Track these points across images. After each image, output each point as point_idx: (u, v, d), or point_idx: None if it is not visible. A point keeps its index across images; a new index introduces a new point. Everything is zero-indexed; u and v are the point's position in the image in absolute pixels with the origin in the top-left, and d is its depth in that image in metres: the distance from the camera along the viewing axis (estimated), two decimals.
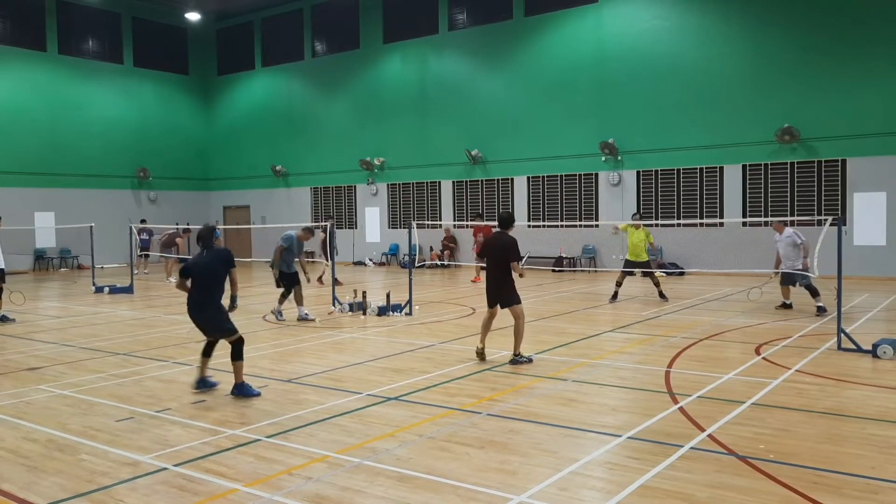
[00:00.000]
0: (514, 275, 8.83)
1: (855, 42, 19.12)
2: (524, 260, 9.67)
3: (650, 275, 14.94)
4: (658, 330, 11.22)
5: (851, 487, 4.69)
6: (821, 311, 12.43)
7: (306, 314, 12.67)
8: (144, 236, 24.38)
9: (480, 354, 8.96)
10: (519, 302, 8.83)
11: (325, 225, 17.53)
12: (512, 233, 9.11)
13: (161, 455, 5.52)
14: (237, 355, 7.29)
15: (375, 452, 5.49)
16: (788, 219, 18.99)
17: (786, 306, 13.20)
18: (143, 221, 25.63)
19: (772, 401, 6.85)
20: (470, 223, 21.42)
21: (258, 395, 7.27)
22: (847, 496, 4.55)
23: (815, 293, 12.61)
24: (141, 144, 30.46)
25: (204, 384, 7.55)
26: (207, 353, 7.60)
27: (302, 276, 13.14)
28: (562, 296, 16.43)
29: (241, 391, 7.23)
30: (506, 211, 9.79)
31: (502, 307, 8.88)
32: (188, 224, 25.17)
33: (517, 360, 8.72)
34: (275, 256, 12.58)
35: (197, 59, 33.11)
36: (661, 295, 14.63)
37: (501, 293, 8.84)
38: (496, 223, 9.31)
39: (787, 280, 12.97)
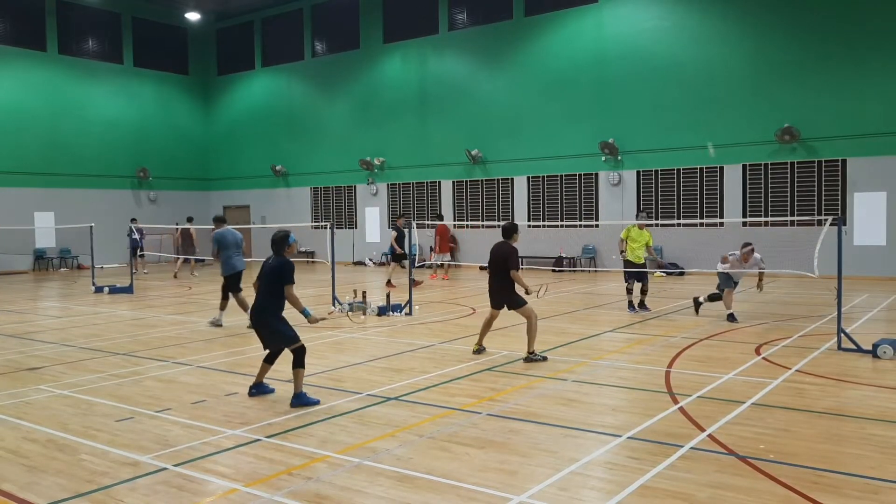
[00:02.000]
0: (519, 286, 8.97)
1: (855, 42, 19.12)
2: (542, 290, 9.87)
3: (645, 279, 13.72)
4: (658, 330, 11.22)
5: (851, 487, 4.69)
6: (697, 303, 12.76)
7: (218, 319, 12.41)
8: (135, 236, 24.22)
9: (478, 353, 9.29)
10: (525, 303, 8.98)
11: (402, 219, 17.59)
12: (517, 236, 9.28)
13: (161, 455, 5.51)
14: (298, 363, 6.96)
15: (375, 452, 5.48)
16: (788, 219, 19.04)
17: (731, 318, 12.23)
18: (133, 221, 25.00)
19: (772, 401, 6.85)
20: (430, 223, 21.51)
21: (317, 403, 6.94)
22: (847, 496, 4.55)
23: (714, 299, 12.41)
24: (141, 144, 30.46)
25: (260, 389, 7.32)
26: (270, 360, 7.36)
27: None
28: (562, 296, 16.43)
29: (300, 401, 6.90)
30: (508, 221, 9.71)
31: (509, 309, 9.05)
32: (191, 217, 25.36)
33: (532, 357, 8.85)
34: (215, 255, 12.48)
35: (197, 59, 33.12)
36: (642, 304, 13.51)
37: (503, 297, 9.05)
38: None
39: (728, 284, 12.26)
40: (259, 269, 7.26)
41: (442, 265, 21.85)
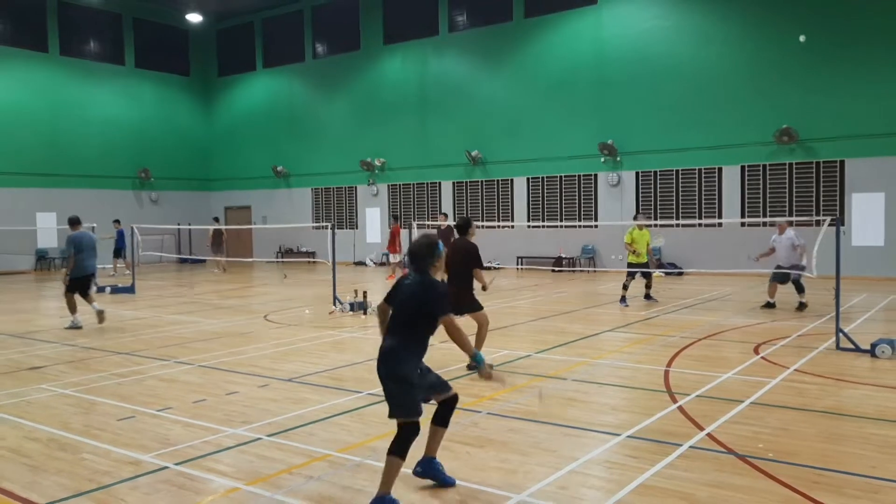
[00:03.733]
0: (485, 284, 8.50)
1: (853, 43, 19.14)
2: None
3: (649, 275, 14.90)
4: (657, 329, 11.24)
5: (851, 487, 4.71)
6: (802, 306, 12.89)
7: (74, 321, 12.38)
8: (117, 237, 24.24)
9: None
10: (481, 308, 8.46)
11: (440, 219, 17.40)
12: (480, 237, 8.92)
13: (162, 454, 5.54)
14: (440, 419, 4.88)
15: (376, 451, 5.50)
16: (788, 219, 19.04)
17: (770, 306, 13.31)
18: (116, 222, 24.56)
19: (771, 400, 6.87)
20: (389, 225, 21.56)
21: (452, 483, 4.83)
22: (847, 495, 4.56)
23: (801, 290, 12.99)
24: (142, 145, 30.48)
25: (429, 469, 4.83)
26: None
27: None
28: (561, 296, 16.45)
29: (429, 470, 4.81)
30: (462, 216, 9.27)
31: (462, 314, 8.19)
32: (217, 218, 25.75)
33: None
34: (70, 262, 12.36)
35: (198, 60, 33.15)
36: (648, 296, 14.58)
37: (463, 301, 8.28)
38: (456, 225, 8.95)
39: (779, 278, 13.16)
40: (388, 294, 4.91)
41: (399, 263, 21.26)
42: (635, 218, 15.75)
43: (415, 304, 4.63)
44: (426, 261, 4.75)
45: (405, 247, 21.75)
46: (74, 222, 13.05)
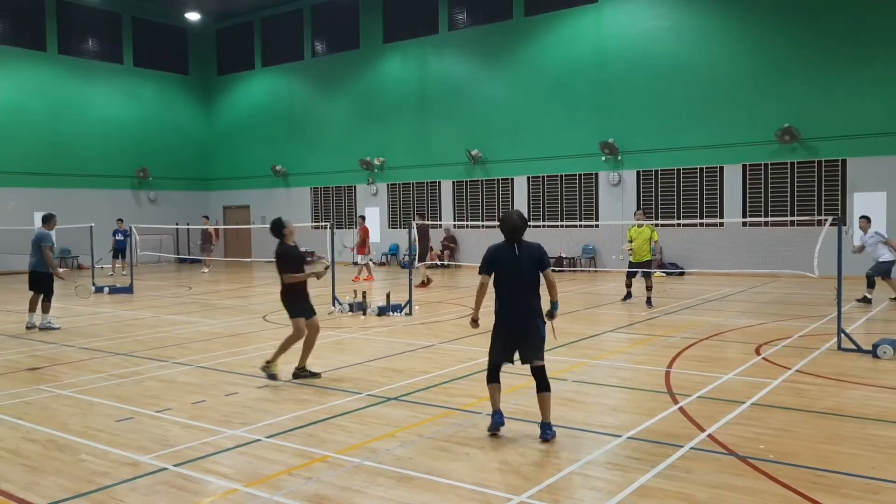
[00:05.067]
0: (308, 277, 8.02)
1: (855, 42, 19.12)
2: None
3: (648, 276, 14.24)
4: (658, 330, 11.22)
5: (851, 487, 4.69)
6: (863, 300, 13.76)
7: (49, 322, 12.36)
8: (119, 237, 24.24)
9: (270, 375, 8.01)
10: (298, 315, 7.94)
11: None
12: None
13: (161, 455, 5.52)
14: (546, 382, 5.83)
15: (375, 452, 5.48)
16: (788, 219, 19.04)
17: (867, 300, 13.83)
18: (119, 221, 24.75)
19: (772, 401, 6.85)
20: (359, 225, 21.23)
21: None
22: (847, 496, 4.55)
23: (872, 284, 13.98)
24: (141, 144, 30.45)
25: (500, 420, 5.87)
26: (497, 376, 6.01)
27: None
28: (561, 296, 16.33)
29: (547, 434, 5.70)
30: (275, 218, 8.25)
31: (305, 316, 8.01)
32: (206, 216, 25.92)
33: (301, 373, 7.98)
34: (50, 259, 12.33)
35: (197, 58, 33.11)
36: (649, 301, 13.95)
37: (284, 304, 8.00)
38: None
39: (880, 272, 13.86)
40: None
41: (365, 265, 20.73)
42: (634, 216, 15.50)
43: (539, 263, 5.82)
44: (523, 230, 5.86)
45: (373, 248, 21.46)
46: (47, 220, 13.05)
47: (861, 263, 18.45)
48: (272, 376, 7.95)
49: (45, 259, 12.32)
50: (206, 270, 25.25)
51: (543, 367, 5.77)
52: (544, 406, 5.74)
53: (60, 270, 12.95)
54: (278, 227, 8.02)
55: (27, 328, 12.28)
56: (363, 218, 21.69)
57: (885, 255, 13.85)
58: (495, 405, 5.85)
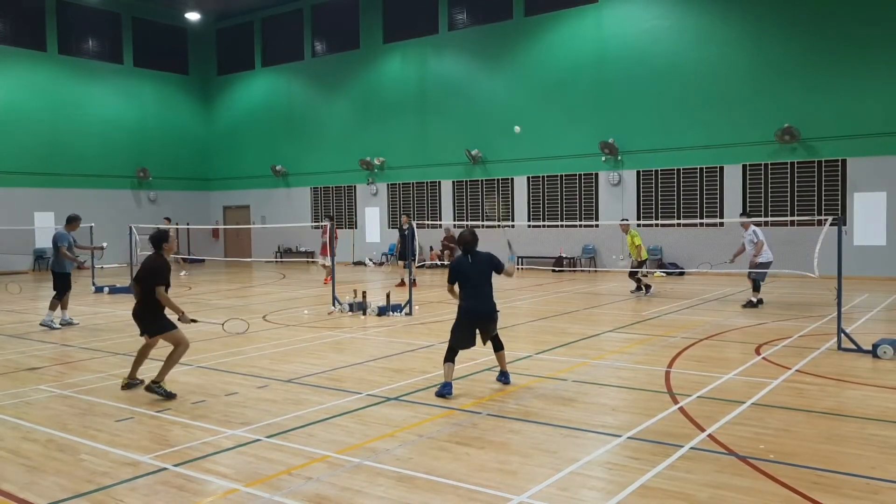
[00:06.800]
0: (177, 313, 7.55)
1: (855, 42, 19.13)
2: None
3: (633, 274, 15.98)
4: (658, 330, 11.22)
5: (851, 487, 4.69)
6: (748, 304, 13.54)
7: (70, 319, 12.59)
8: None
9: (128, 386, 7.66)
10: (172, 328, 7.52)
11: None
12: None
13: (161, 455, 5.51)
14: (500, 343, 7.73)
15: (375, 452, 5.48)
16: (788, 219, 19.04)
17: (752, 304, 13.68)
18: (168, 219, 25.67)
19: (772, 401, 6.85)
20: (323, 224, 20.78)
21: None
22: (847, 496, 4.54)
23: (757, 288, 13.62)
24: (141, 144, 30.46)
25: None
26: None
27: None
28: (561, 296, 16.43)
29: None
30: (161, 230, 7.89)
31: (151, 335, 7.60)
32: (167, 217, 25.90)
33: (154, 388, 7.28)
34: (67, 256, 12.50)
35: (197, 58, 33.11)
36: (648, 288, 15.70)
37: (145, 319, 7.51)
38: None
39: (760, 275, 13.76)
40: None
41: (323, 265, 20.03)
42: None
43: (491, 266, 7.53)
44: (475, 244, 7.53)
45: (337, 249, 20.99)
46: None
47: (861, 263, 18.55)
48: (169, 395, 7.23)
49: (62, 257, 12.49)
50: (185, 273, 24.76)
51: (498, 334, 7.60)
52: (502, 361, 7.68)
53: (80, 259, 13.11)
54: (161, 239, 7.61)
55: (55, 327, 12.35)
56: (330, 218, 20.75)
57: (762, 257, 13.63)
58: (448, 378, 7.22)
